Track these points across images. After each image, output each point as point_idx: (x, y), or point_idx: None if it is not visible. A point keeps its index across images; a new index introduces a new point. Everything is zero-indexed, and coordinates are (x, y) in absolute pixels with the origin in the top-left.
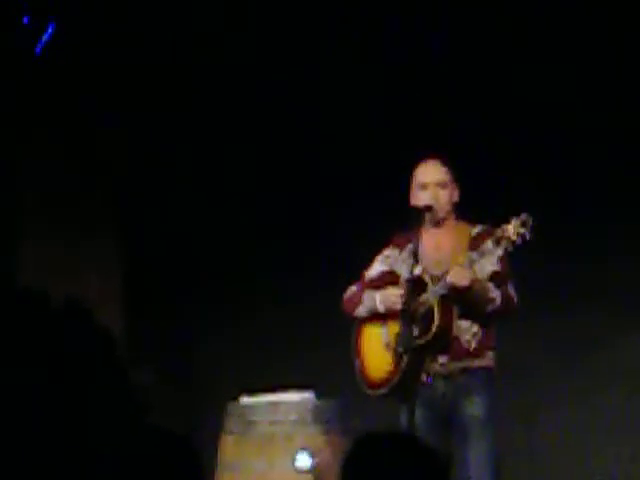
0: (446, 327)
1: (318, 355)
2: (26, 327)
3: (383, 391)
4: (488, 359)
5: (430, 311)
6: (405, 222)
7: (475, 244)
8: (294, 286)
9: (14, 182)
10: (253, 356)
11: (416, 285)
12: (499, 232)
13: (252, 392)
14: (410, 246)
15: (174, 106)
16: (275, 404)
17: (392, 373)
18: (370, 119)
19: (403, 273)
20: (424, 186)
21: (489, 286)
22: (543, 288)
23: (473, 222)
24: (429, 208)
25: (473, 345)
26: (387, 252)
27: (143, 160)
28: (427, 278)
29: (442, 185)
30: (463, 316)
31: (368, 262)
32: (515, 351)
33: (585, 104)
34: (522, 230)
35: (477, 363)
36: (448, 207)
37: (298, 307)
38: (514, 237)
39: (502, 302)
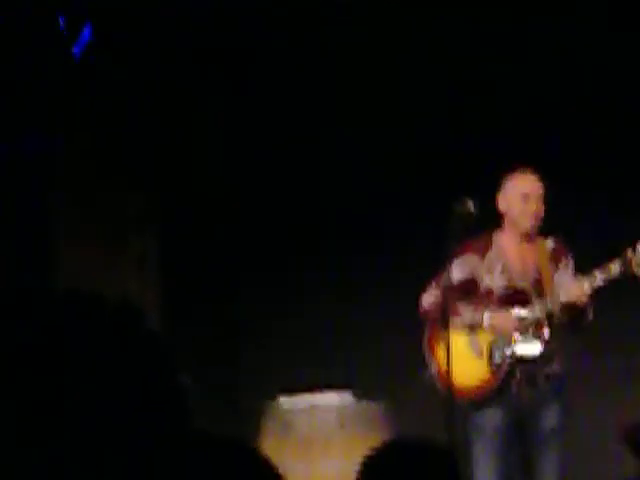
0: (552, 342)
1: (359, 356)
2: (70, 327)
3: (475, 399)
4: (562, 365)
5: (537, 325)
6: (473, 227)
7: (554, 258)
8: (336, 287)
9: (53, 179)
10: (292, 356)
11: (514, 295)
12: (629, 254)
13: (291, 392)
14: (492, 253)
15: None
16: (314, 406)
17: (487, 382)
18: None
19: (485, 280)
20: (526, 197)
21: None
22: None
23: (543, 234)
24: (531, 222)
25: (555, 352)
26: (467, 255)
27: (186, 159)
28: (529, 291)
29: (542, 199)
30: (564, 329)
31: (413, 264)
32: None
33: None
34: None
35: (555, 369)
36: (540, 221)
37: (339, 308)
38: None
39: (591, 319)
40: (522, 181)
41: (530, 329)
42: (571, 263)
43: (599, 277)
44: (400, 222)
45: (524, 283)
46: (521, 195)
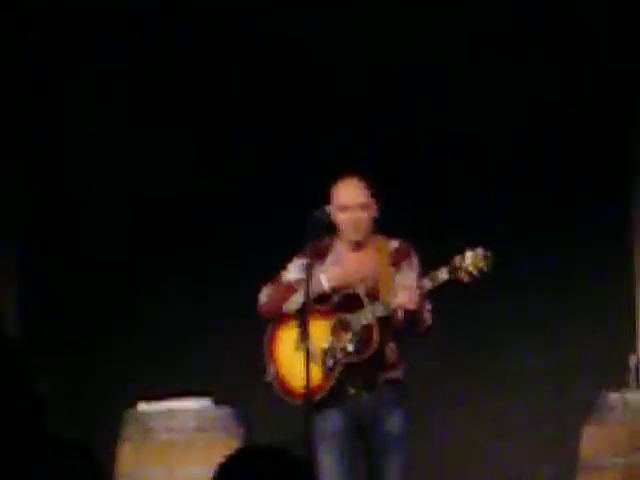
0: (382, 346)
1: (218, 362)
2: None
3: (311, 402)
4: (402, 371)
5: (367, 329)
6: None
7: (395, 260)
8: (194, 291)
9: None
10: (151, 363)
11: (348, 300)
12: (457, 262)
13: (150, 399)
14: (331, 257)
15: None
16: (173, 411)
17: (320, 386)
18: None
19: (321, 284)
20: (344, 208)
21: (425, 308)
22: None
23: (389, 235)
24: (353, 232)
25: (393, 359)
26: (304, 261)
27: (49, 159)
28: (363, 295)
29: (363, 207)
30: (397, 334)
31: (272, 266)
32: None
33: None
34: (481, 264)
35: (396, 375)
36: (369, 228)
37: (198, 313)
38: (472, 269)
39: (430, 323)
40: (340, 192)
41: (360, 334)
42: (414, 265)
43: (426, 284)
44: (254, 224)
45: (359, 289)
46: (339, 206)
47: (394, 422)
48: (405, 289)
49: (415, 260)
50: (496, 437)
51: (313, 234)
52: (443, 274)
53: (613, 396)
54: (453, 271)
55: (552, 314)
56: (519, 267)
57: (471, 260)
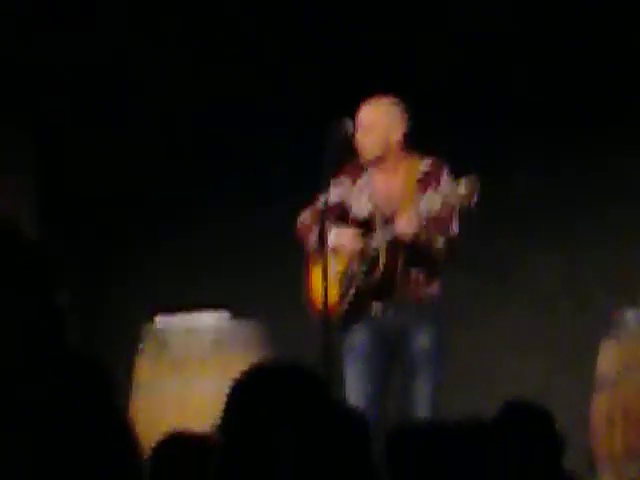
0: (391, 271)
1: (237, 276)
2: None
3: (334, 319)
4: (434, 290)
5: (377, 253)
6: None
7: (423, 183)
8: (213, 206)
9: None
10: (170, 275)
11: (368, 224)
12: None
13: (168, 312)
14: (363, 179)
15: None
16: (189, 326)
17: (336, 307)
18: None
19: (354, 207)
20: (357, 128)
21: (436, 234)
22: None
23: (423, 155)
24: (363, 154)
25: (420, 279)
26: (340, 179)
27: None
28: (378, 220)
29: (366, 129)
30: (410, 258)
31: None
32: None
33: None
34: (472, 191)
35: (425, 294)
36: (377, 150)
37: (216, 228)
38: (465, 196)
39: (447, 249)
40: (359, 112)
41: (370, 258)
42: (442, 187)
43: (424, 208)
44: (276, 140)
45: (388, 210)
46: (356, 127)
47: (422, 340)
48: (404, 214)
49: (443, 181)
50: (513, 354)
51: (332, 147)
52: (438, 183)
53: (630, 312)
54: (444, 198)
55: (572, 231)
56: (539, 183)
57: (464, 189)
